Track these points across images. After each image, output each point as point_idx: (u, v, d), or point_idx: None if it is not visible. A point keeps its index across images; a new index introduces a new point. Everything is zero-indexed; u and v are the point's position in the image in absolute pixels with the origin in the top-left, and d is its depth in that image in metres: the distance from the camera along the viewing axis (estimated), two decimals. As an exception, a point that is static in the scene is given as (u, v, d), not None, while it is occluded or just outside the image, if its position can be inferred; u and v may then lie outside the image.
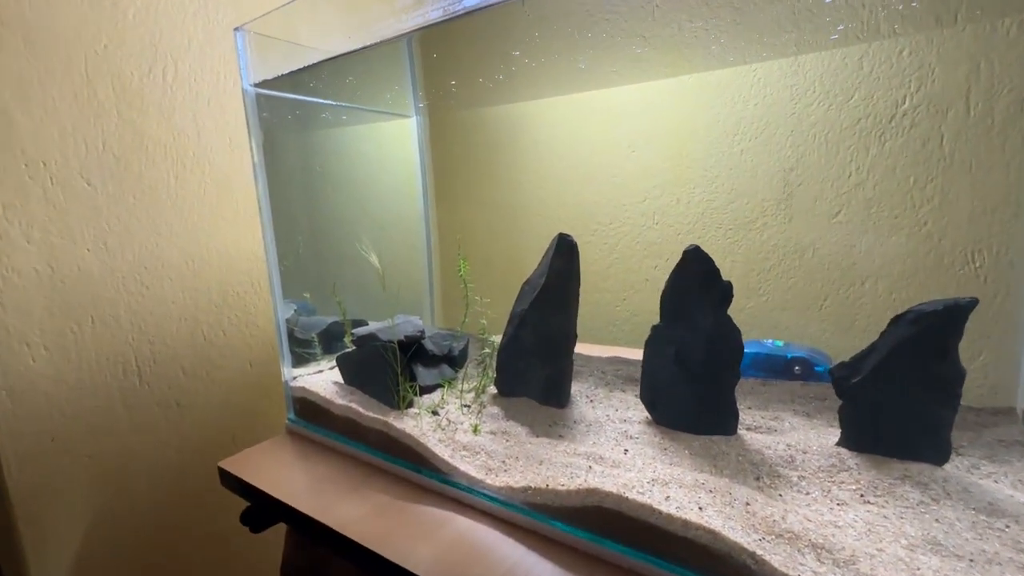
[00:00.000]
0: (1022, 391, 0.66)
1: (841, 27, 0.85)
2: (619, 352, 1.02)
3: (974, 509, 0.47)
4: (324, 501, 0.63)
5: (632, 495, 0.49)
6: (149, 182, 0.91)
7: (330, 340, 0.86)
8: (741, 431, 0.62)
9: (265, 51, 0.77)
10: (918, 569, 0.41)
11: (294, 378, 0.82)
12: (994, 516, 0.46)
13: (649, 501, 0.48)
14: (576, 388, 0.77)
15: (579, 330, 1.34)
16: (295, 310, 0.85)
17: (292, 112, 0.83)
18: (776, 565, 0.42)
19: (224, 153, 1.01)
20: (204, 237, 0.99)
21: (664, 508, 0.47)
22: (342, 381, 0.79)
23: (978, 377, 0.86)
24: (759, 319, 1.11)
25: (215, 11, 0.99)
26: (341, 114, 0.86)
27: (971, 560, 0.42)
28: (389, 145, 0.99)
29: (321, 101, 0.82)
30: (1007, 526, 0.45)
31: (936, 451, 0.51)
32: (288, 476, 0.70)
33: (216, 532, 1.02)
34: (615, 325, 1.27)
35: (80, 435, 0.85)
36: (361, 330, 0.74)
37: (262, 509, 0.69)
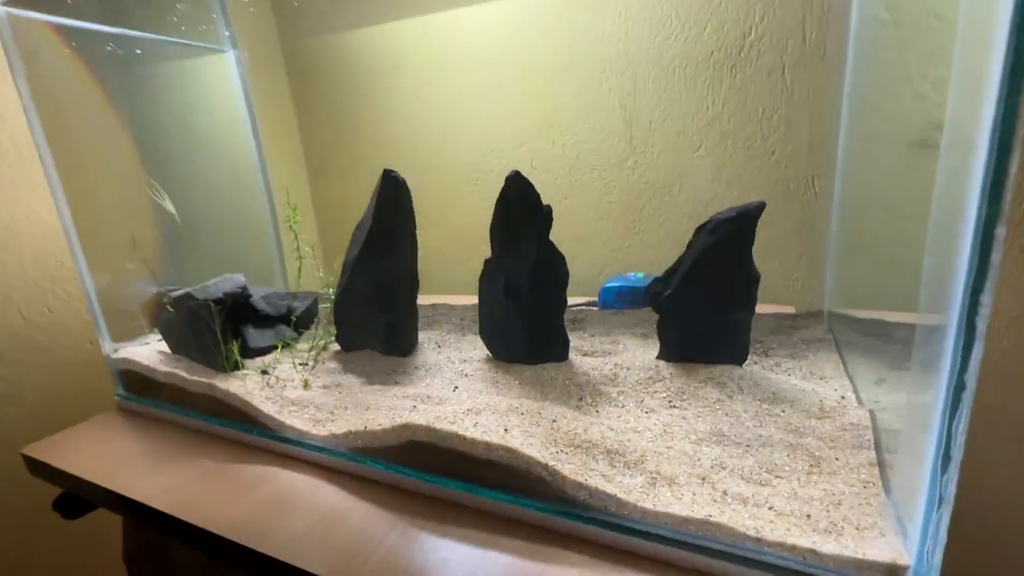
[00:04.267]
0: (827, 295, 0.71)
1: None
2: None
3: (759, 400, 0.49)
4: (136, 474, 0.57)
5: (441, 425, 0.47)
6: (-87, 139, 0.76)
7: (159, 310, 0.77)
8: (576, 357, 0.62)
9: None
10: (699, 460, 0.43)
11: (116, 350, 0.74)
12: (775, 404, 0.48)
13: (456, 429, 0.47)
14: (426, 336, 0.75)
15: (462, 282, 1.31)
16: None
17: (69, 45, 0.70)
18: (567, 474, 0.42)
19: (19, 105, 0.86)
20: (7, 204, 0.85)
21: (469, 434, 0.46)
22: (168, 351, 0.72)
23: (801, 285, 0.93)
24: (637, 256, 1.14)
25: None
26: (135, 46, 0.74)
27: (747, 445, 0.44)
28: (205, 85, 0.87)
29: (99, 27, 0.69)
30: (783, 411, 0.47)
31: (736, 352, 0.53)
32: (104, 454, 0.63)
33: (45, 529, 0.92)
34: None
35: None
36: (177, 292, 0.66)
37: (74, 494, 0.62)
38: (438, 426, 0.47)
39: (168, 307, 0.67)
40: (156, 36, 0.76)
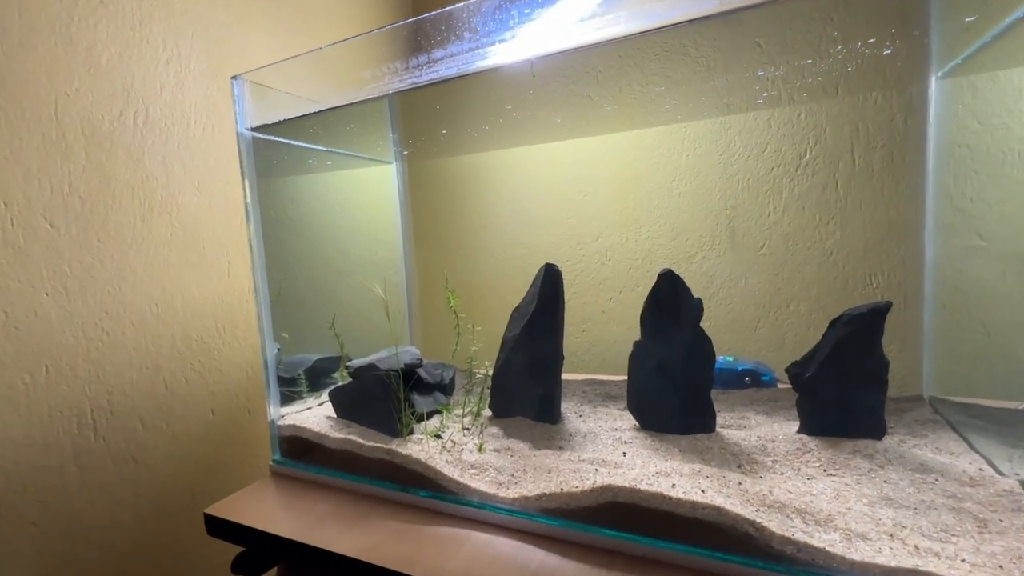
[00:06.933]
0: (926, 382, 0.80)
1: (765, 94, 1.03)
2: (590, 376, 1.10)
3: (909, 470, 0.57)
4: (332, 533, 0.62)
5: (643, 486, 0.55)
6: (115, 224, 0.88)
7: (316, 377, 0.85)
8: (718, 429, 0.70)
9: (257, 99, 0.80)
10: (880, 520, 0.50)
11: (281, 416, 0.81)
12: (925, 473, 0.56)
13: (660, 490, 0.54)
14: (563, 407, 0.82)
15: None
16: (279, 349, 0.84)
17: (279, 157, 0.85)
18: (775, 530, 0.49)
19: (192, 196, 1.00)
20: (169, 281, 0.96)
21: (673, 494, 0.53)
22: (334, 416, 0.79)
23: (894, 373, 1.02)
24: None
25: (188, 60, 1.01)
26: (326, 159, 0.90)
27: (915, 508, 0.52)
28: (370, 189, 1.04)
29: (311, 146, 0.85)
30: (935, 480, 0.55)
31: (875, 428, 0.62)
32: (285, 515, 0.68)
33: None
34: (576, 356, 1.35)
35: (25, 499, 0.76)
36: (357, 362, 0.75)
37: (258, 552, 0.67)
38: (641, 487, 0.54)
39: (348, 376, 0.75)
40: (353, 154, 0.92)
